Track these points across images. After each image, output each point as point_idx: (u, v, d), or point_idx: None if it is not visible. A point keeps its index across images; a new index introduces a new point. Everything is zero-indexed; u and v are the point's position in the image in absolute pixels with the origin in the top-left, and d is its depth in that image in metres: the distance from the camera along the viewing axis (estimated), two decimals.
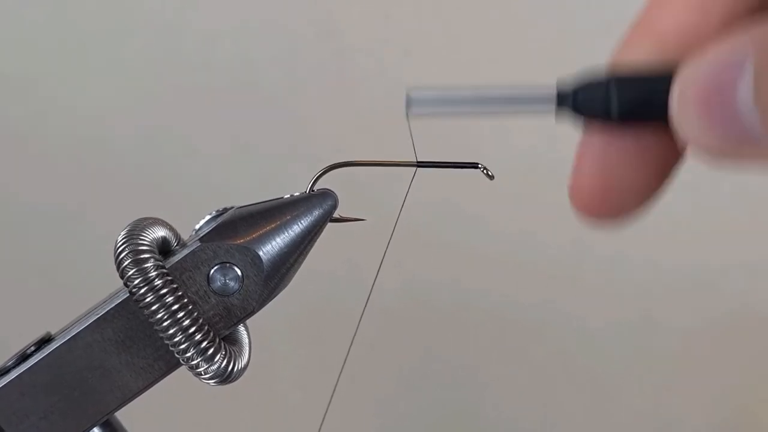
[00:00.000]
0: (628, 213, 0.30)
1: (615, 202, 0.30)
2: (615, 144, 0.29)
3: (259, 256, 0.35)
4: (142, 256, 0.34)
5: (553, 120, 0.29)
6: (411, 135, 0.35)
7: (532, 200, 0.82)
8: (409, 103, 0.29)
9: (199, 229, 0.37)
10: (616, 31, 0.31)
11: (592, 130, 0.29)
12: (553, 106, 0.29)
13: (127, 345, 0.35)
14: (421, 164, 0.37)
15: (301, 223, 0.36)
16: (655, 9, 0.29)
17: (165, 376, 0.36)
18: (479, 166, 0.37)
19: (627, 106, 0.28)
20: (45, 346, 0.36)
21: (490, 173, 0.37)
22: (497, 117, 0.29)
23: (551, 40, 0.80)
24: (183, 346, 0.34)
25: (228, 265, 0.35)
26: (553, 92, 0.28)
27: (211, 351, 0.34)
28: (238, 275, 0.35)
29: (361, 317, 0.36)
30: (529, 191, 0.81)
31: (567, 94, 0.28)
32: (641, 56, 0.29)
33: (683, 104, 0.27)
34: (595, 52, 0.35)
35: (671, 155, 0.30)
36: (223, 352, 0.34)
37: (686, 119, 0.27)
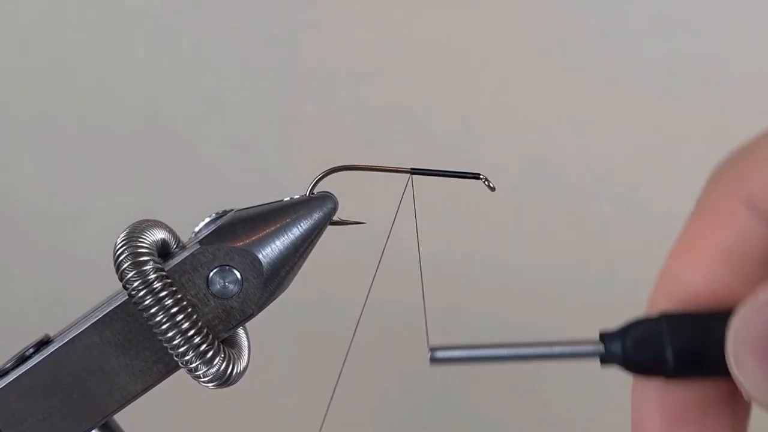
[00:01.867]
0: None
1: None
2: (671, 408, 0.27)
3: (258, 259, 0.35)
4: (141, 259, 0.34)
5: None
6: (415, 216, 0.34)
7: (529, 208, 0.82)
8: (433, 360, 0.28)
9: (199, 231, 0.37)
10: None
11: (644, 393, 0.27)
12: (597, 358, 0.27)
13: (126, 347, 0.35)
14: (416, 171, 0.36)
15: (300, 226, 0.36)
16: (677, 264, 0.27)
17: (164, 379, 0.36)
18: (481, 176, 0.36)
19: (684, 356, 0.25)
20: (43, 348, 0.35)
21: (491, 185, 0.36)
22: None
23: (548, 39, 0.80)
24: (182, 349, 0.34)
25: (227, 267, 0.35)
26: (599, 347, 0.26)
27: (210, 354, 0.34)
28: (237, 278, 0.35)
29: (358, 321, 0.36)
30: (526, 200, 0.81)
31: (615, 347, 0.26)
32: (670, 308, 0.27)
33: (740, 355, 0.24)
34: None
35: (737, 408, 0.27)
36: (222, 355, 0.34)
37: (745, 371, 0.24)
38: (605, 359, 0.27)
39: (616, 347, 0.26)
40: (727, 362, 0.24)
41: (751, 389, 0.24)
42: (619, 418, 0.89)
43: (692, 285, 0.27)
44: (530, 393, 0.85)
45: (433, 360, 0.28)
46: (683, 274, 0.27)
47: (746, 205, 0.26)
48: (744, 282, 0.26)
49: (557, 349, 0.27)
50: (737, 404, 0.27)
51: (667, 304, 0.27)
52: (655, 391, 0.27)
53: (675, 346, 0.25)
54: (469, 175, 0.36)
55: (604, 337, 0.27)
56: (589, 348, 0.27)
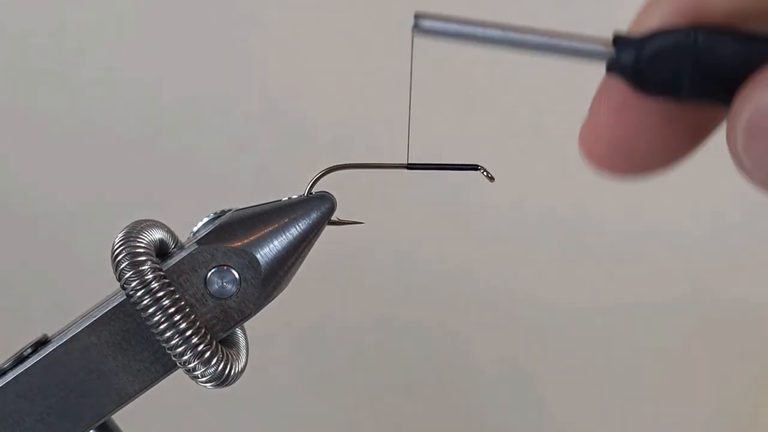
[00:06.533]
0: (645, 174, 0.25)
1: (634, 159, 0.25)
2: (642, 104, 0.24)
3: (256, 259, 0.35)
4: (139, 259, 0.34)
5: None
6: (410, 84, 0.34)
7: (527, 197, 0.82)
8: (418, 28, 0.25)
9: (197, 231, 0.37)
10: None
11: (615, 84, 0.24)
12: (603, 63, 0.23)
13: (124, 348, 0.35)
14: (413, 166, 0.36)
15: (299, 226, 0.36)
16: None
17: (162, 379, 0.36)
18: (479, 167, 0.36)
19: (703, 84, 0.22)
20: (42, 349, 0.35)
21: (490, 175, 0.36)
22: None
23: None
24: (180, 349, 0.34)
25: (225, 268, 0.35)
26: (609, 51, 0.23)
27: (208, 354, 0.34)
28: (235, 278, 0.35)
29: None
30: (524, 187, 0.81)
31: (627, 56, 0.23)
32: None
33: (751, 140, 0.21)
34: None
35: (709, 127, 0.25)
36: (220, 355, 0.34)
37: (751, 157, 0.21)
38: (612, 66, 0.23)
39: (629, 56, 0.23)
40: (729, 137, 0.21)
41: (755, 170, 0.21)
42: (618, 419, 0.89)
43: None
44: (528, 395, 0.85)
45: (419, 29, 0.25)
46: None
47: None
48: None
49: (561, 42, 0.23)
50: (707, 121, 0.25)
51: (666, 14, 0.23)
52: (624, 88, 0.24)
53: (699, 69, 0.22)
54: (467, 167, 0.36)
55: (618, 41, 0.23)
56: (598, 49, 0.23)
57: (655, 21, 0.23)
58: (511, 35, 0.24)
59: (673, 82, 0.22)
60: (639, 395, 0.84)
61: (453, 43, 0.25)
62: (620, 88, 0.24)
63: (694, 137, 0.25)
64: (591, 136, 0.25)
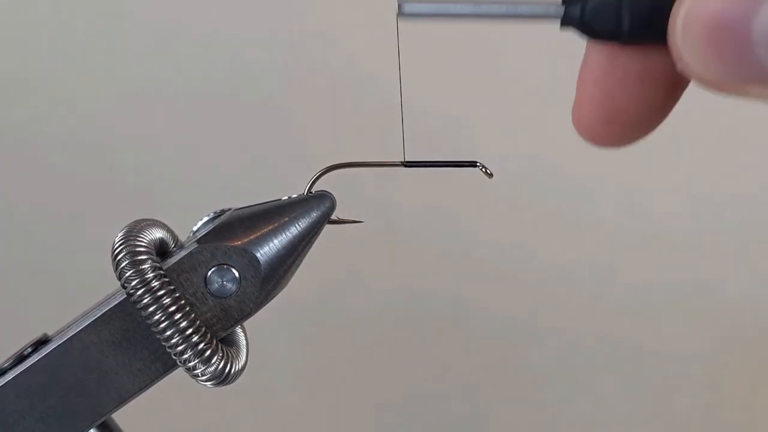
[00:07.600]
0: (632, 140, 0.29)
1: (619, 130, 0.28)
2: (618, 68, 0.28)
3: (256, 258, 0.35)
4: (139, 258, 0.34)
5: (557, 31, 0.28)
6: (399, 64, 0.34)
7: (528, 206, 0.82)
8: (402, 13, 0.29)
9: (197, 230, 0.37)
10: None
11: (595, 49, 0.28)
12: (557, 21, 0.28)
13: (124, 346, 0.35)
14: (409, 164, 0.36)
15: (298, 225, 0.36)
16: None
17: (162, 378, 0.36)
18: (478, 164, 0.36)
19: (639, 24, 0.27)
20: (42, 348, 0.35)
21: (489, 171, 0.36)
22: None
23: (549, 37, 0.80)
24: (180, 348, 0.34)
25: (225, 266, 0.35)
26: (560, 10, 0.28)
27: (208, 353, 0.34)
28: (235, 277, 0.35)
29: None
30: (525, 197, 0.81)
31: (574, 11, 0.27)
32: None
33: (687, 31, 0.24)
34: None
35: (678, 79, 0.28)
36: (220, 354, 0.34)
37: (689, 49, 0.24)
38: (564, 22, 0.28)
39: (575, 11, 0.27)
40: (670, 36, 0.25)
41: (689, 65, 0.24)
42: (620, 421, 0.89)
43: None
44: (528, 397, 0.85)
45: (402, 12, 0.29)
46: None
47: None
48: None
49: (521, 9, 0.28)
50: (673, 80, 0.28)
51: None
52: (605, 54, 0.28)
53: (633, 12, 0.26)
54: (465, 164, 0.36)
55: (566, 1, 0.28)
56: (551, 10, 0.28)
57: None
58: (480, 8, 0.28)
59: (616, 27, 0.27)
60: (637, 390, 0.85)
61: (434, 22, 0.29)
62: (597, 61, 0.28)
63: (667, 95, 0.28)
64: (580, 111, 0.29)
